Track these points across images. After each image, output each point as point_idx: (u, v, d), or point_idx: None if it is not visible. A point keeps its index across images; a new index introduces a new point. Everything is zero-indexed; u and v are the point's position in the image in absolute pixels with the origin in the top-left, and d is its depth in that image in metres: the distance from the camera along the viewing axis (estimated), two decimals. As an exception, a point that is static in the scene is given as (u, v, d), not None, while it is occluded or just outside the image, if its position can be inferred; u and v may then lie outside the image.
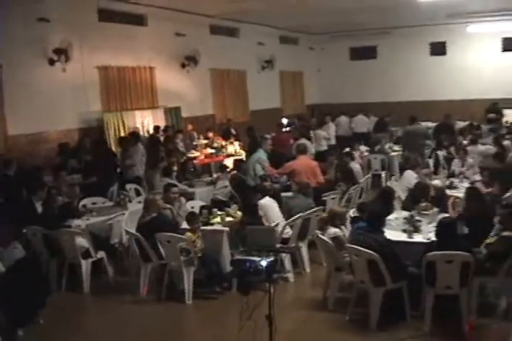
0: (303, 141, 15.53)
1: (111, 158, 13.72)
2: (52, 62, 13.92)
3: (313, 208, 9.78)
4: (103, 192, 12.04)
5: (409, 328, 7.19)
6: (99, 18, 15.57)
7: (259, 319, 5.91)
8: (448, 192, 10.57)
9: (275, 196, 10.03)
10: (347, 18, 20.84)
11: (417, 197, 9.79)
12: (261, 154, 13.02)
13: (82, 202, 11.00)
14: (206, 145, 17.70)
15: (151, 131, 16.42)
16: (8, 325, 7.40)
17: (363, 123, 21.06)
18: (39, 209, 10.06)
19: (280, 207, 9.82)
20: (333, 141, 18.72)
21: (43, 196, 10.15)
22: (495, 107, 21.26)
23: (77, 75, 14.63)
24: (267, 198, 9.63)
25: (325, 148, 17.64)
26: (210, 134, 18.10)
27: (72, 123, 14.75)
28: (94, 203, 11.26)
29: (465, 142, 15.47)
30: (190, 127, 18.00)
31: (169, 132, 16.61)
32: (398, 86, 25.40)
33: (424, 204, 9.27)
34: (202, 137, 17.94)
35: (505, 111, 22.21)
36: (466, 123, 19.52)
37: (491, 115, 20.86)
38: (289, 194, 10.95)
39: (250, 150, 15.90)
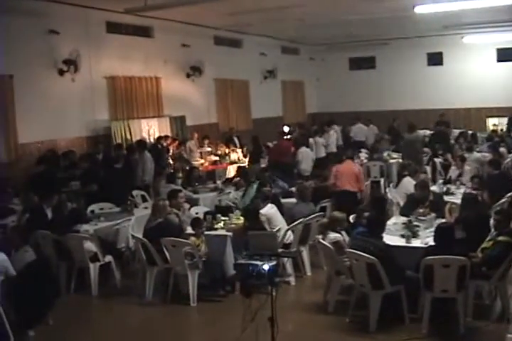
0: (303, 149, 15.85)
1: (129, 164, 13.78)
2: (61, 73, 14.18)
3: (315, 213, 9.94)
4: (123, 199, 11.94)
5: (408, 330, 7.27)
6: (107, 30, 15.90)
7: (262, 321, 6.08)
8: (445, 198, 10.64)
9: (274, 200, 10.18)
10: (346, 30, 20.94)
11: (416, 198, 9.93)
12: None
13: (90, 208, 11.20)
14: (210, 153, 17.96)
15: (157, 139, 16.48)
16: (19, 325, 7.56)
17: (362, 132, 21.37)
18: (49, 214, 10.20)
19: (281, 210, 9.97)
20: (333, 149, 18.96)
21: (54, 202, 10.32)
22: (442, 119, 20.99)
23: (85, 85, 14.90)
24: (269, 206, 9.69)
25: (323, 154, 17.96)
26: (206, 141, 18.24)
27: (81, 131, 14.94)
28: (101, 209, 11.39)
29: (460, 149, 15.63)
30: (196, 135, 18.10)
31: (174, 140, 16.86)
32: (396, 95, 25.54)
33: (421, 210, 9.37)
34: (206, 145, 18.16)
35: (500, 120, 22.73)
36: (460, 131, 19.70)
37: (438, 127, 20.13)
38: (293, 200, 10.99)
39: (253, 158, 16.24)
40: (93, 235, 9.60)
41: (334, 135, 19.46)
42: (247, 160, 17.36)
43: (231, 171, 16.72)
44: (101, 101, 15.58)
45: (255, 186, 11.72)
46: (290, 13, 16.47)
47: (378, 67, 26.90)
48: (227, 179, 14.71)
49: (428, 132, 19.83)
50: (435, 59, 25.59)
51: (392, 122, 21.24)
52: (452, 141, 18.07)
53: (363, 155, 17.39)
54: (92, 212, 11.13)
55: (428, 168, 15.01)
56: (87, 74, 14.92)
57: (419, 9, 14.82)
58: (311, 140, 18.03)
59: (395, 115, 22.60)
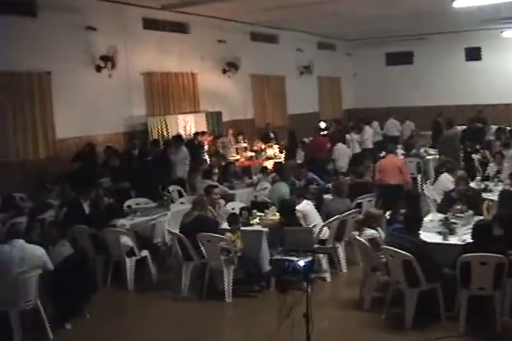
0: (339, 145, 15.78)
1: (165, 159, 13.86)
2: (99, 69, 14.33)
3: (351, 209, 9.89)
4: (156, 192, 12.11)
5: (444, 328, 7.19)
6: (143, 26, 16.02)
7: (297, 317, 6.04)
8: (483, 195, 10.52)
9: (318, 198, 10.22)
10: (383, 25, 20.90)
11: (456, 193, 9.84)
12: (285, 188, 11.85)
13: (126, 203, 11.28)
14: (246, 149, 18.00)
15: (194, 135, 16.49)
16: (56, 318, 7.72)
17: (395, 127, 21.35)
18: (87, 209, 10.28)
19: (320, 206, 10.00)
20: (369, 145, 18.89)
21: (91, 197, 10.42)
22: (480, 115, 20.42)
23: (122, 81, 15.04)
24: (305, 202, 9.66)
25: (358, 150, 17.98)
26: (241, 137, 18.30)
27: (118, 127, 15.09)
28: (138, 204, 11.48)
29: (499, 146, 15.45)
30: (231, 131, 18.15)
31: (210, 136, 16.91)
32: (434, 91, 25.27)
33: (459, 207, 9.25)
34: (242, 141, 18.20)
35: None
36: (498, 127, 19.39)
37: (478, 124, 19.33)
38: (328, 196, 11.02)
39: (289, 154, 16.21)
40: (129, 230, 9.63)
41: (370, 131, 19.34)
42: (283, 155, 17.33)
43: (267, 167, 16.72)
44: (138, 97, 15.72)
45: (283, 182, 11.75)
46: (326, 8, 16.39)
47: (416, 63, 26.68)
48: (264, 168, 14.63)
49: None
50: (473, 54, 25.28)
51: (437, 117, 20.94)
52: (491, 137, 17.81)
53: (399, 151, 17.22)
54: (129, 207, 11.22)
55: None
56: (124, 70, 15.04)
57: (457, 3, 14.64)
58: (347, 136, 17.98)
59: (433, 111, 22.32)
